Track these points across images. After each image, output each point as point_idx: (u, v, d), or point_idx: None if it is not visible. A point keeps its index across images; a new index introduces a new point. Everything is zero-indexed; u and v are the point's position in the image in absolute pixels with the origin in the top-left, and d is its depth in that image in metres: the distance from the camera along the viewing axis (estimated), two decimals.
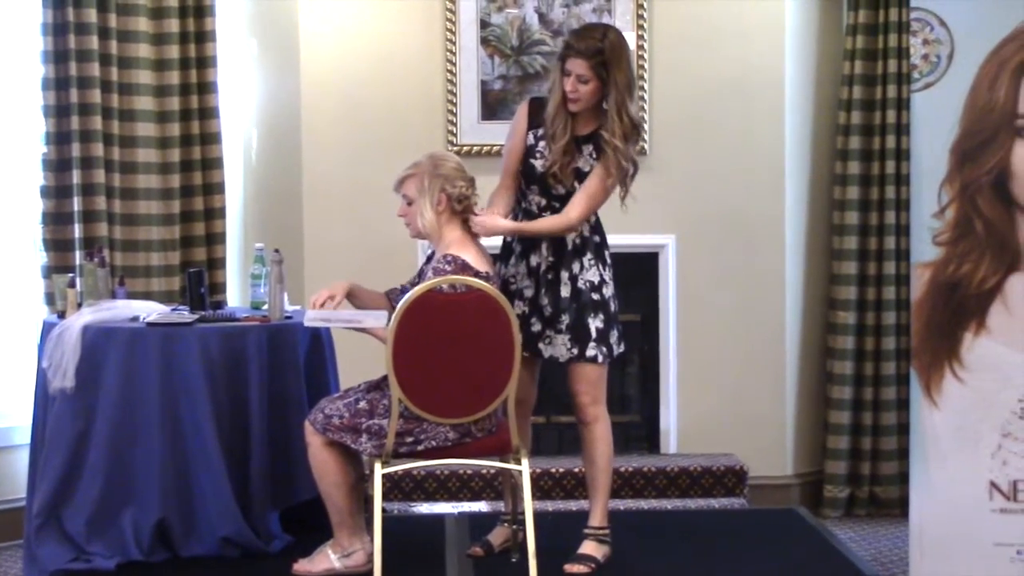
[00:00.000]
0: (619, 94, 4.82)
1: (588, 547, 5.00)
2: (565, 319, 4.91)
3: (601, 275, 4.96)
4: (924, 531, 4.94)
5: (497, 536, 5.18)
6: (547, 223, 4.89)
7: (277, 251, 5.30)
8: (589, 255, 4.95)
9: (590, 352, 4.92)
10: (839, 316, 6.56)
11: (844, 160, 6.54)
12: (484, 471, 5.97)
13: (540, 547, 4.67)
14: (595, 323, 4.92)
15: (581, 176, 4.90)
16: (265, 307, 5.40)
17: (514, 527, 5.09)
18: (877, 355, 6.55)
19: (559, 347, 4.91)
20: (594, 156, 4.89)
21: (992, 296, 4.86)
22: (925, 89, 4.92)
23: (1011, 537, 4.87)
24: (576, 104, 4.85)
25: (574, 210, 4.86)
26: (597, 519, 5.03)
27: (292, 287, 5.72)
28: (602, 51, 4.80)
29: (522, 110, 5.03)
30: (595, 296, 4.94)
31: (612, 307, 4.99)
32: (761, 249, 6.57)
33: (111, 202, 6.06)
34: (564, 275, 4.93)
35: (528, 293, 4.93)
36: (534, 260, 4.96)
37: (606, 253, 5.01)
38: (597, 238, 4.99)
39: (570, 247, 4.94)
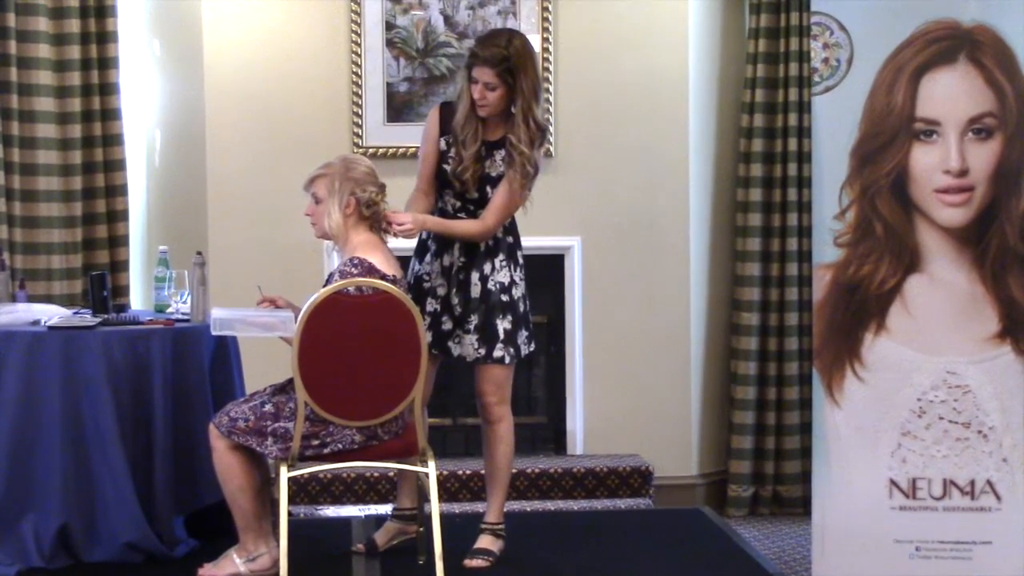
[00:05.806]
0: (525, 100, 4.86)
1: (485, 541, 5.07)
2: (474, 319, 4.93)
3: (512, 276, 4.99)
4: (826, 529, 4.99)
5: (383, 534, 5.19)
6: (465, 227, 4.92)
7: (199, 253, 5.27)
8: (501, 256, 4.98)
9: (497, 353, 4.95)
10: (742, 317, 6.62)
11: (747, 162, 6.60)
12: (391, 473, 5.95)
13: (447, 549, 4.67)
14: (503, 324, 4.95)
15: (489, 181, 4.92)
16: (169, 310, 5.38)
17: (419, 527, 5.10)
18: (780, 355, 6.63)
19: (467, 347, 4.94)
20: (505, 161, 4.91)
21: (892, 297, 4.93)
22: (825, 92, 4.97)
23: (910, 534, 4.93)
24: (484, 110, 4.88)
25: (491, 217, 4.90)
26: (494, 515, 5.10)
27: None
28: (508, 58, 4.83)
29: (433, 116, 5.04)
30: (504, 297, 4.96)
31: (521, 308, 5.02)
32: (665, 251, 6.61)
33: (11, 204, 5.98)
34: (475, 276, 4.95)
35: (440, 292, 4.95)
36: (447, 260, 4.98)
37: (519, 254, 5.04)
38: (510, 239, 5.01)
39: (483, 248, 4.96)
